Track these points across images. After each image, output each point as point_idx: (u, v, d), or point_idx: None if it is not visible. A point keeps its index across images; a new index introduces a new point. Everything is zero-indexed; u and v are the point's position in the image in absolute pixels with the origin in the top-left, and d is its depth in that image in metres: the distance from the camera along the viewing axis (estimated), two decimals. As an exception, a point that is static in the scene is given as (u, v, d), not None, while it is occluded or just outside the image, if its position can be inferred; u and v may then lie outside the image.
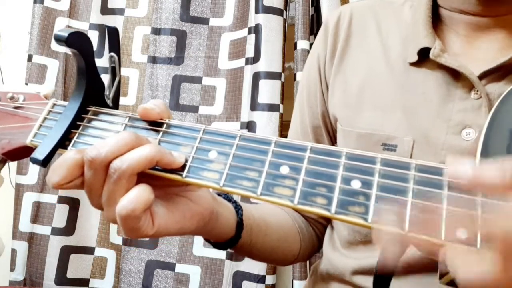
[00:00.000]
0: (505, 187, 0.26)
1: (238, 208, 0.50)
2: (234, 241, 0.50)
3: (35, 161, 0.40)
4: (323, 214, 0.32)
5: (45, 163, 0.40)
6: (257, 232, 0.53)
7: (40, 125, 0.43)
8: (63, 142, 0.41)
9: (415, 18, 0.56)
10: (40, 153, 0.40)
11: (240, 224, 0.50)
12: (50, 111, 0.44)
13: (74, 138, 0.41)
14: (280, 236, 0.59)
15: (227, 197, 0.51)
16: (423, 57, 0.53)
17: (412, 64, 0.54)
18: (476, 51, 0.52)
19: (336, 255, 0.59)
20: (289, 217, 0.63)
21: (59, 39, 0.40)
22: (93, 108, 0.43)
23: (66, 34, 0.39)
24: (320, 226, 0.67)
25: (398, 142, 0.51)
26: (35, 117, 0.44)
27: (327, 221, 0.67)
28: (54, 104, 0.45)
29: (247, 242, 0.52)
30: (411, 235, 0.29)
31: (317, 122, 0.65)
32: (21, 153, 0.43)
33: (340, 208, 0.32)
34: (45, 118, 0.44)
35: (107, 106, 0.44)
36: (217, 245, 0.51)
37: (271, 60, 1.35)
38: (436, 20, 0.56)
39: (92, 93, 0.43)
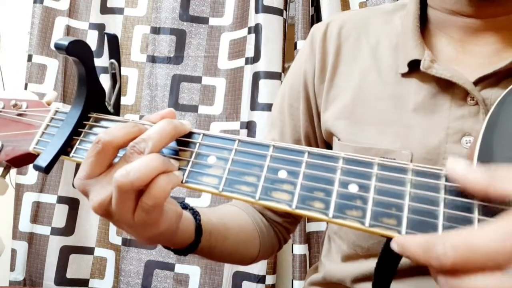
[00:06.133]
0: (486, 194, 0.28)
1: (196, 214, 0.51)
2: (194, 246, 0.50)
3: (38, 168, 0.41)
4: (321, 218, 0.32)
5: (47, 170, 0.41)
6: (216, 236, 0.53)
7: (43, 132, 0.45)
8: (65, 149, 0.42)
9: (404, 27, 0.56)
10: (43, 160, 0.41)
11: (198, 229, 0.50)
12: (52, 118, 0.45)
13: (76, 145, 0.42)
14: (239, 240, 0.60)
15: (183, 205, 0.51)
16: (414, 68, 0.52)
17: (403, 75, 0.53)
18: (469, 55, 0.52)
19: (335, 266, 0.59)
20: (250, 220, 0.63)
21: (59, 48, 0.40)
22: (94, 115, 0.44)
23: (66, 43, 0.40)
24: (282, 229, 0.67)
25: (396, 155, 0.50)
26: (38, 124, 0.45)
27: (291, 224, 0.68)
28: (56, 111, 0.46)
29: (206, 246, 0.52)
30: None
31: (298, 135, 0.64)
32: (25, 160, 0.44)
33: (338, 212, 0.32)
34: (47, 125, 0.45)
35: (109, 112, 0.45)
36: (177, 251, 0.51)
37: (271, 60, 1.34)
38: (425, 27, 0.55)
39: (93, 99, 0.44)
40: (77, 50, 0.41)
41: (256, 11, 1.37)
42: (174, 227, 0.43)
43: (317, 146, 0.64)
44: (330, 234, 0.63)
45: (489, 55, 0.50)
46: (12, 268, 1.43)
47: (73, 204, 1.48)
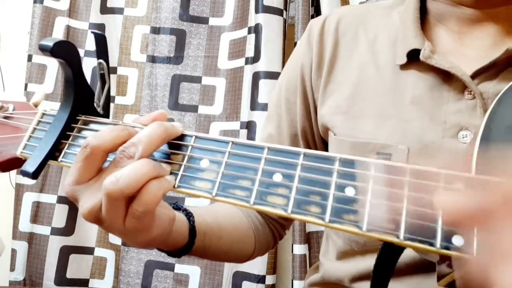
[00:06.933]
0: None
1: (189, 216, 0.50)
2: (188, 248, 0.49)
3: (25, 174, 0.39)
4: (317, 223, 0.31)
5: (35, 176, 0.39)
6: (211, 237, 0.53)
7: (30, 136, 0.43)
8: (53, 153, 0.41)
9: (403, 20, 0.55)
10: (30, 166, 0.39)
11: (192, 230, 0.49)
12: (39, 121, 0.44)
13: (65, 149, 0.41)
14: (234, 239, 0.59)
15: (176, 205, 0.50)
16: (413, 59, 0.51)
17: (401, 67, 0.53)
18: (467, 48, 0.51)
19: (332, 265, 0.58)
20: (245, 218, 0.62)
21: (44, 49, 0.39)
22: (82, 117, 0.42)
23: (51, 44, 0.38)
24: (278, 225, 0.67)
25: (392, 150, 0.50)
26: (25, 128, 0.44)
27: (287, 220, 0.67)
28: (44, 114, 0.44)
29: (201, 246, 0.51)
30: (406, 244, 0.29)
31: (294, 130, 0.64)
32: (13, 164, 0.43)
33: (334, 216, 0.31)
34: (34, 129, 0.43)
35: (98, 114, 0.44)
36: (171, 253, 0.50)
37: (271, 60, 1.34)
38: (425, 19, 0.55)
39: (81, 101, 0.42)
40: (63, 52, 0.39)
41: (256, 11, 1.36)
42: (167, 231, 0.42)
43: (314, 142, 0.63)
44: (327, 231, 0.63)
45: (487, 48, 0.50)
46: (12, 268, 1.43)
47: (73, 204, 1.46)
